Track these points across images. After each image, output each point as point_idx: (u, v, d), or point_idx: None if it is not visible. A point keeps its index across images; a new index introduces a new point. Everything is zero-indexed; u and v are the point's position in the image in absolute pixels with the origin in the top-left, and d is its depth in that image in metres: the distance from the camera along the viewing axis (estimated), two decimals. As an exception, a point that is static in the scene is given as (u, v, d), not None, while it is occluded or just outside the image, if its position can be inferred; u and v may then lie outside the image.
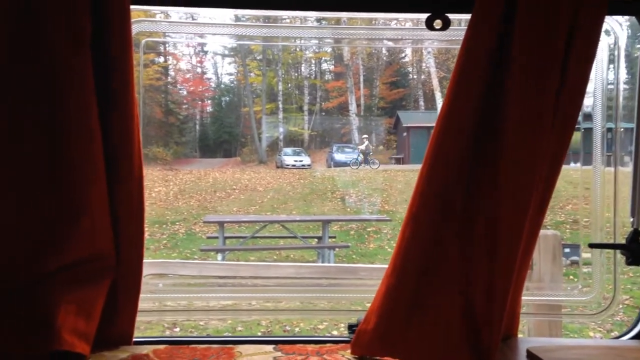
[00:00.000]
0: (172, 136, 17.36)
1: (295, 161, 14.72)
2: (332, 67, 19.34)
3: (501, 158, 1.23)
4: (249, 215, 10.05)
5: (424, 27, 1.46)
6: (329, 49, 18.64)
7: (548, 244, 2.13)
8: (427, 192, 1.25)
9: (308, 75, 18.98)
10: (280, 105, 17.12)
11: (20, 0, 1.22)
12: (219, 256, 7.26)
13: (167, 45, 17.21)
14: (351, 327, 1.47)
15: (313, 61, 19.28)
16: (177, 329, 4.81)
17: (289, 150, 15.61)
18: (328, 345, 1.41)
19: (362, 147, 14.02)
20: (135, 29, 1.54)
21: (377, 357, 1.31)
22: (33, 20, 1.22)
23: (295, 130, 17.32)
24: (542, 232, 2.18)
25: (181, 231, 9.39)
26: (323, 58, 19.35)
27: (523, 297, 1.51)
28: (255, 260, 7.73)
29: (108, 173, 1.29)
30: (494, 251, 1.23)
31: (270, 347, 1.38)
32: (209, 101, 19.77)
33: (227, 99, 19.80)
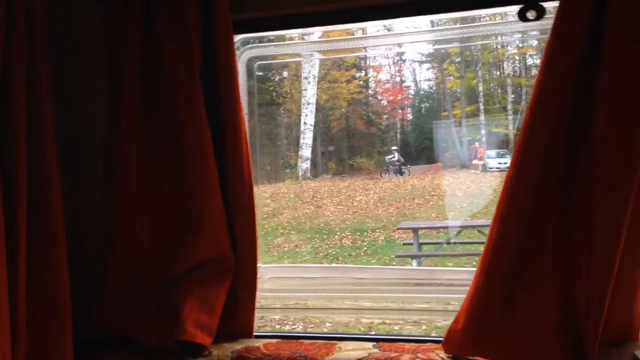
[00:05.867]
0: (374, 146, 17.92)
1: (500, 163, 14.01)
2: (538, 62, 18.02)
3: (594, 155, 1.11)
4: (442, 221, 9.88)
5: None
6: (535, 42, 17.42)
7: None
8: (514, 191, 1.18)
9: (512, 73, 17.95)
10: (482, 107, 16.48)
11: (142, 30, 1.41)
12: (414, 262, 7.27)
13: (367, 59, 17.90)
14: None
15: (517, 57, 18.20)
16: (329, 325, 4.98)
17: (492, 152, 14.93)
18: (427, 344, 1.39)
19: (393, 158, 14.55)
20: (246, 55, 1.71)
21: (470, 357, 1.25)
22: (156, 51, 1.42)
23: (499, 131, 16.51)
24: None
25: (381, 238, 9.63)
26: (528, 53, 18.15)
27: None
28: (453, 266, 7.55)
29: (222, 185, 1.45)
30: (589, 250, 1.11)
31: (369, 344, 1.40)
32: (409, 109, 19.97)
33: (427, 105, 19.77)
